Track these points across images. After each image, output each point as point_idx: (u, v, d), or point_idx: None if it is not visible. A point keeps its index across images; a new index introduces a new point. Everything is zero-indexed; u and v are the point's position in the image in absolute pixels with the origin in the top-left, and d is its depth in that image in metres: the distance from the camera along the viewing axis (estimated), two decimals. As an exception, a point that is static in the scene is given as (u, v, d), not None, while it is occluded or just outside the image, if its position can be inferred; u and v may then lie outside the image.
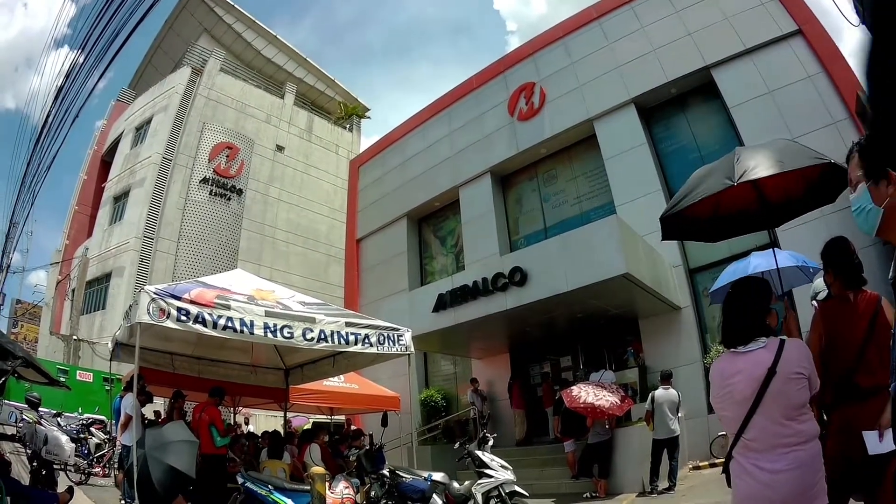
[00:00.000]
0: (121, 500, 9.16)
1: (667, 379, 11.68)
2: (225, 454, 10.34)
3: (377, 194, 25.18)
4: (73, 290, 29.48)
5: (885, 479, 3.44)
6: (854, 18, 10.20)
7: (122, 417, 9.69)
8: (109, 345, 10.31)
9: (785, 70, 15.06)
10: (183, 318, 7.69)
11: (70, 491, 5.75)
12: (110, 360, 10.85)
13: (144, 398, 10.17)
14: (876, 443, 3.35)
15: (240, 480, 7.04)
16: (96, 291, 30.54)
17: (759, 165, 4.33)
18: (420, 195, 22.85)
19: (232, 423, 14.30)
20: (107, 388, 18.10)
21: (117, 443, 10.88)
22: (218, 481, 9.58)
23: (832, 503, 3.34)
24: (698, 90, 17.12)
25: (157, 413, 12.70)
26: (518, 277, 13.36)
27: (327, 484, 6.32)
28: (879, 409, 3.39)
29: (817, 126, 13.29)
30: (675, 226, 5.12)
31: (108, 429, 14.42)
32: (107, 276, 30.26)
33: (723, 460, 3.59)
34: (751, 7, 15.93)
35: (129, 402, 9.54)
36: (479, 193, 20.85)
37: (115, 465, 11.26)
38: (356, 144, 43.05)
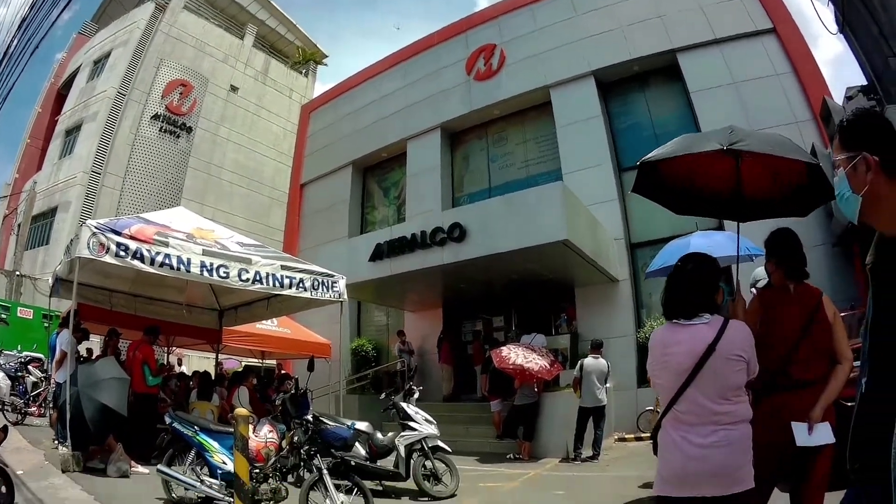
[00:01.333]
0: (54, 440, 8.95)
1: (597, 348, 11.80)
2: (156, 394, 10.32)
3: (325, 141, 24.85)
4: (19, 225, 28.96)
5: (812, 472, 3.50)
6: (833, 27, 10.29)
7: (57, 354, 9.49)
8: (50, 280, 10.21)
9: (753, 65, 15.27)
10: (122, 253, 7.74)
11: (4, 430, 5.54)
12: (50, 295, 10.83)
13: (80, 335, 9.94)
14: (805, 435, 3.41)
15: (167, 420, 6.90)
16: (41, 226, 30.15)
17: (752, 143, 4.27)
18: (368, 145, 22.63)
19: (165, 363, 14.25)
20: (45, 325, 17.61)
21: (52, 381, 10.62)
22: (148, 421, 9.53)
23: (759, 489, 3.38)
24: (661, 71, 17.18)
25: (89, 351, 12.41)
26: (457, 233, 13.27)
27: (251, 427, 6.18)
28: (811, 401, 3.48)
29: (779, 123, 13.37)
30: (651, 181, 5.02)
31: (45, 367, 14.04)
32: (52, 211, 29.86)
33: (649, 435, 3.58)
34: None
35: (64, 339, 9.31)
36: (427, 148, 20.70)
37: (51, 405, 10.98)
38: (310, 90, 42.59)
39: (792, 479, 3.60)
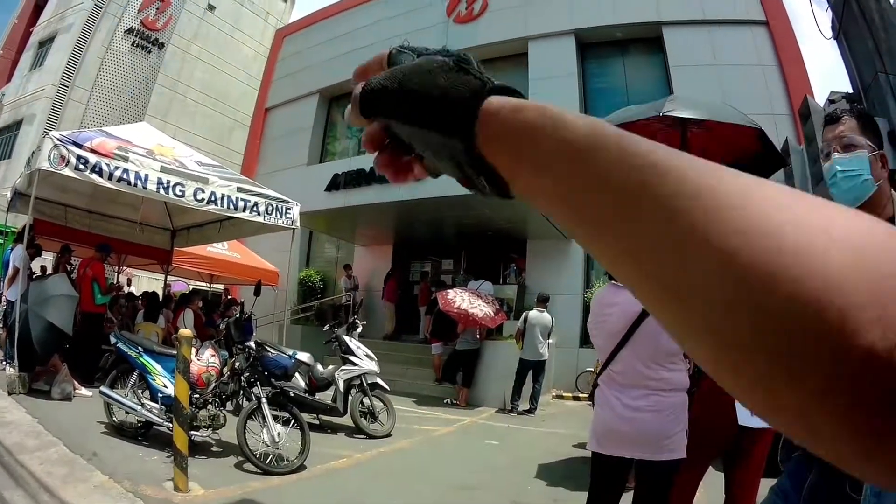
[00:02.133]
0: (2, 361, 8.74)
1: (543, 302, 11.79)
2: (104, 313, 10.18)
3: (296, 67, 24.25)
4: (-18, 138, 27.92)
5: (750, 455, 3.53)
6: (828, 33, 10.31)
7: (10, 270, 9.30)
8: (8, 195, 9.96)
9: (739, 51, 15.34)
10: (81, 166, 7.63)
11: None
12: (7, 210, 10.70)
13: (34, 251, 9.73)
14: (747, 414, 3.36)
15: (112, 340, 6.77)
16: (5, 140, 29.24)
17: (688, 108, 4.24)
18: (338, 74, 21.98)
19: (115, 282, 13.94)
20: (0, 241, 17.08)
21: (2, 298, 10.37)
22: (94, 341, 9.45)
23: (693, 464, 3.41)
24: (644, 41, 17.10)
25: (43, 268, 12.16)
26: (417, 171, 13.04)
27: (194, 350, 6.10)
28: None
29: (755, 112, 13.21)
30: None
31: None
32: (17, 124, 28.87)
33: (587, 396, 3.61)
34: (725, -16, 15.94)
35: (18, 255, 9.17)
36: (397, 84, 20.21)
37: (0, 324, 10.72)
38: (287, 15, 41.01)
39: (729, 459, 3.63)
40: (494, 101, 0.57)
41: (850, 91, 10.92)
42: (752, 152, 4.52)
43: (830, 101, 11.24)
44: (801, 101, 12.29)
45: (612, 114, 4.63)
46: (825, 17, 10.53)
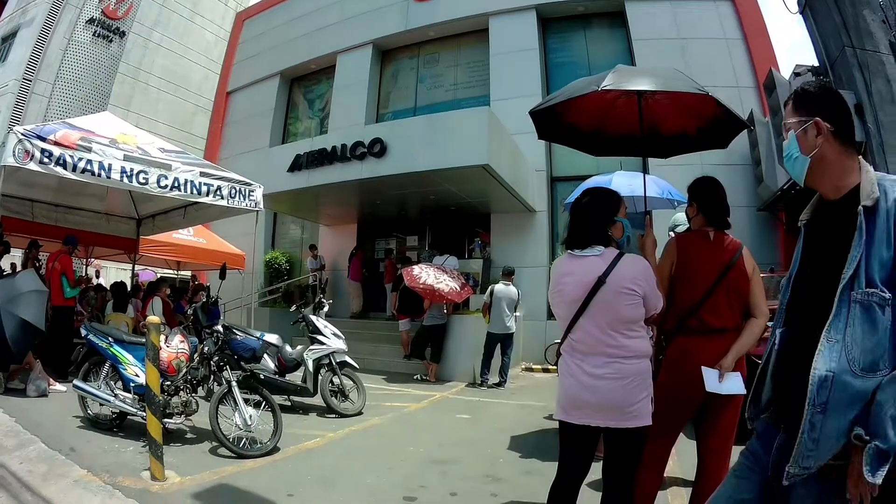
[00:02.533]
0: None
1: (509, 275, 11.90)
2: (73, 306, 10.12)
3: (256, 49, 24.06)
4: (-53, 139, 27.12)
5: (719, 421, 3.59)
6: (794, 7, 10.44)
7: None
8: None
9: (703, 25, 15.55)
10: (45, 160, 7.57)
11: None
12: None
13: (2, 248, 9.58)
14: (715, 381, 3.45)
15: (83, 332, 6.74)
16: None
17: (633, 80, 4.27)
18: (298, 55, 22.02)
19: (83, 275, 13.93)
20: None
21: None
22: (65, 335, 9.43)
23: (663, 431, 3.51)
24: (606, 15, 17.17)
25: (13, 266, 12.04)
26: (377, 149, 13.09)
27: (163, 337, 6.10)
28: (722, 348, 3.52)
29: (719, 85, 13.45)
30: (551, 128, 5.06)
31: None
32: None
33: (556, 367, 3.67)
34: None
35: None
36: (357, 62, 20.19)
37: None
38: (248, -1, 40.62)
39: (700, 426, 3.71)
40: None
41: (816, 65, 11.12)
42: (712, 116, 4.58)
43: (796, 74, 11.44)
44: (766, 74, 12.50)
45: (562, 87, 4.68)
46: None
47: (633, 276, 3.13)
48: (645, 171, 8.90)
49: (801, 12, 10.56)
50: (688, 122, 4.79)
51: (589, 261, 3.19)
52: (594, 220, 3.30)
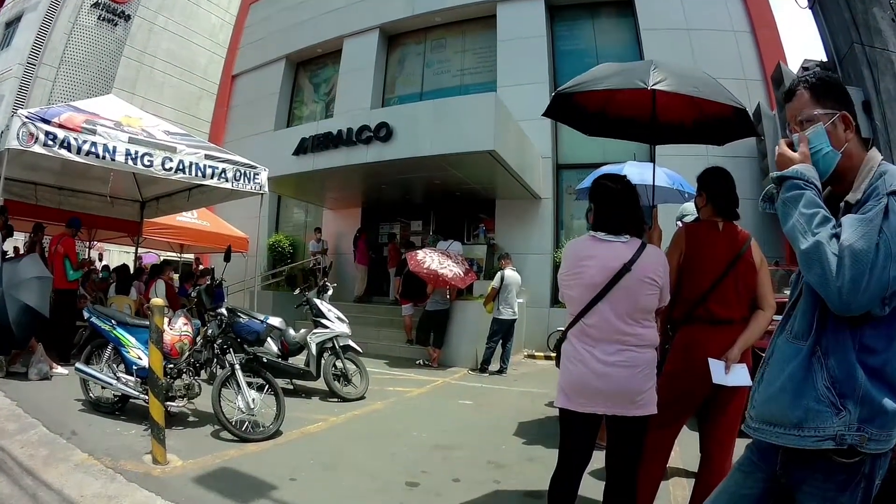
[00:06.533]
0: None
1: (507, 259, 11.96)
2: (76, 289, 10.13)
3: (262, 33, 23.84)
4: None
5: (724, 413, 3.56)
6: (803, 2, 10.34)
7: None
8: None
9: (711, 17, 15.39)
10: (50, 142, 7.56)
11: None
12: None
13: (6, 232, 9.54)
14: (721, 373, 3.43)
15: (86, 315, 6.73)
16: None
17: (676, 81, 4.23)
18: (304, 39, 21.83)
19: (87, 258, 13.83)
20: None
21: None
22: (68, 318, 9.43)
23: (667, 422, 3.49)
24: (614, 4, 17.08)
25: (16, 249, 12.02)
26: (384, 133, 13.05)
27: (167, 319, 6.09)
28: (729, 340, 3.51)
29: (726, 76, 13.30)
30: (560, 106, 5.03)
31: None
32: None
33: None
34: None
35: None
36: (364, 47, 20.03)
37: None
38: (254, -19, 40.45)
39: (704, 418, 3.68)
40: None
41: (824, 60, 11.03)
42: (720, 116, 4.55)
43: (804, 69, 11.33)
44: (774, 67, 12.39)
45: (588, 72, 4.64)
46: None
47: (655, 266, 3.14)
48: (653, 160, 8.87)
49: (811, 7, 10.45)
50: (693, 114, 4.77)
51: (615, 246, 3.15)
52: (632, 208, 3.27)
